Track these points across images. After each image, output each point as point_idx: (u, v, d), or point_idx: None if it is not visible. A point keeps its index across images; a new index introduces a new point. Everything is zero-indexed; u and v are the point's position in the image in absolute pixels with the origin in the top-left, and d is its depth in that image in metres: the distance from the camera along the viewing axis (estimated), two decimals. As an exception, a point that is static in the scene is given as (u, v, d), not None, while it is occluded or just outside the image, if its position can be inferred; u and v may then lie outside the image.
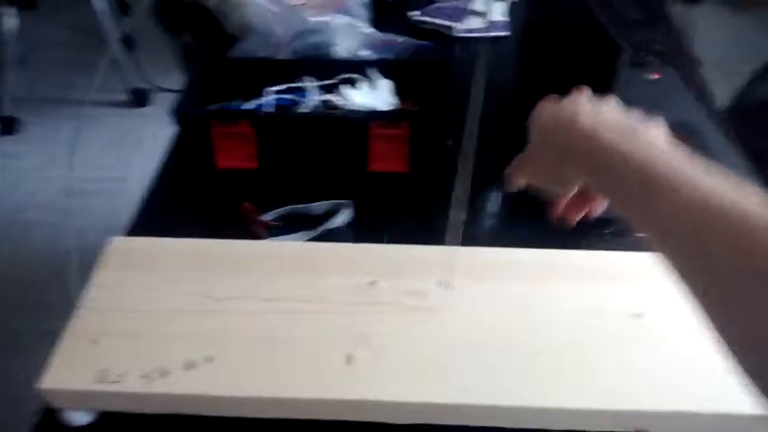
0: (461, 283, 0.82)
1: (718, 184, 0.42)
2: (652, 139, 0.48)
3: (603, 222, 1.00)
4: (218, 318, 0.78)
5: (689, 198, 0.41)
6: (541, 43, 1.21)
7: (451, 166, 1.03)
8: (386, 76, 1.07)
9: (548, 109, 0.54)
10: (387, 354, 0.74)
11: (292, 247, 0.90)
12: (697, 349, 0.74)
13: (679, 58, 1.38)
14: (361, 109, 1.01)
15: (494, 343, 0.75)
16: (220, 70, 1.12)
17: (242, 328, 0.77)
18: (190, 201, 1.08)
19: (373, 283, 0.83)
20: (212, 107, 1.10)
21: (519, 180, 0.60)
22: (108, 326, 0.77)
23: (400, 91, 1.07)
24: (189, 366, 0.73)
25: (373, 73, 1.05)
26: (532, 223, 1.01)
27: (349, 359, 0.74)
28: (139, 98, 2.90)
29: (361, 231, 1.01)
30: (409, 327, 0.77)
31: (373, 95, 1.00)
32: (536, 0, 1.33)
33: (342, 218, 1.00)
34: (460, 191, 0.80)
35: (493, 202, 1.04)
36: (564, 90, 0.57)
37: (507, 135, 1.10)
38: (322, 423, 0.72)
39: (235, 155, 1.04)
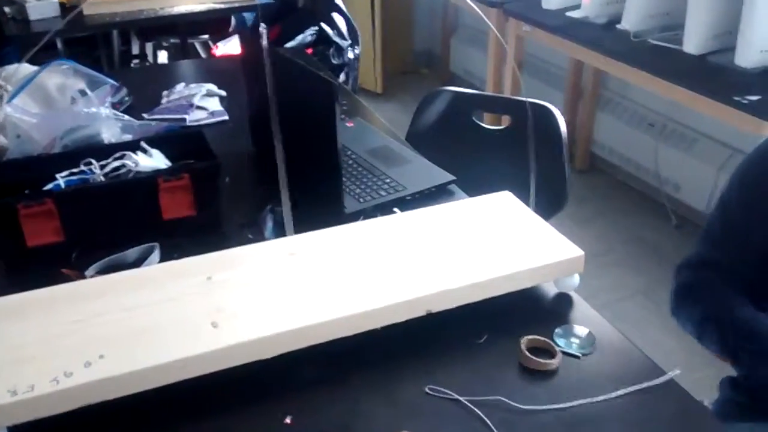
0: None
1: None
2: None
3: (352, 216, 1.35)
4: (92, 330, 0.95)
5: None
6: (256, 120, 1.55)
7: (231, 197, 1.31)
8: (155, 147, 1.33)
9: None
10: (240, 313, 0.98)
11: (126, 275, 1.09)
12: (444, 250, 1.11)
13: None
14: (147, 170, 1.25)
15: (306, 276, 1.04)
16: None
17: (116, 330, 0.96)
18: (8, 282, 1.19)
19: (209, 278, 1.06)
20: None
21: None
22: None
23: (171, 156, 1.33)
24: (87, 364, 0.90)
25: (145, 147, 1.30)
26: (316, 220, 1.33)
27: (214, 324, 0.96)
28: None
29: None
30: (248, 295, 1.02)
31: (154, 160, 1.25)
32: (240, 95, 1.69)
33: (154, 258, 1.21)
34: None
35: (269, 221, 1.33)
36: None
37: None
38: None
39: (42, 233, 1.20)
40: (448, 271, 1.07)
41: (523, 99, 1.67)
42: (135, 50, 3.70)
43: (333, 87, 1.17)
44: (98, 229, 1.24)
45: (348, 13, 2.42)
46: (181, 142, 1.41)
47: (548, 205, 1.70)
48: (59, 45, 3.14)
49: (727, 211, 1.18)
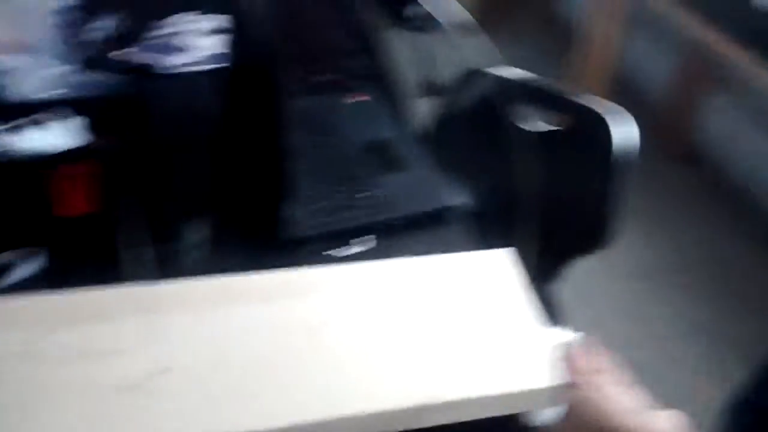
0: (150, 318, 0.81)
1: None
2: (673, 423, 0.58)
3: (305, 240, 1.04)
4: None
5: None
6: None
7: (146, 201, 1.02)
8: (81, 114, 1.04)
9: (580, 398, 0.64)
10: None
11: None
12: (368, 357, 0.79)
13: (384, 82, 1.47)
14: (45, 151, 0.96)
15: (178, 373, 0.75)
16: None
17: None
18: None
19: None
20: None
21: None
22: None
23: (96, 129, 1.04)
24: None
25: (65, 112, 1.01)
26: (243, 247, 1.04)
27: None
28: None
29: (56, 279, 0.96)
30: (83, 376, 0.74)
31: (62, 135, 0.96)
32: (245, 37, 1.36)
33: (31, 267, 0.95)
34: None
35: (198, 232, 1.04)
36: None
37: (213, 164, 1.11)
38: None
39: None
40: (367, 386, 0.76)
41: (578, 101, 1.27)
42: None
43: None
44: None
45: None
46: (116, 107, 1.11)
47: (579, 246, 1.33)
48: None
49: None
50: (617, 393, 0.65)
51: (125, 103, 1.15)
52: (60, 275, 0.96)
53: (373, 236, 1.07)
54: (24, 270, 0.95)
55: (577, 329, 1.42)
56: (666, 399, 1.89)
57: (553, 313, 1.45)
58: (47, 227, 0.99)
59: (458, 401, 0.75)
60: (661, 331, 2.04)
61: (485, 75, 1.37)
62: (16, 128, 1.02)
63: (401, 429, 0.75)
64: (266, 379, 0.76)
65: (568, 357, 0.71)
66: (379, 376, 0.77)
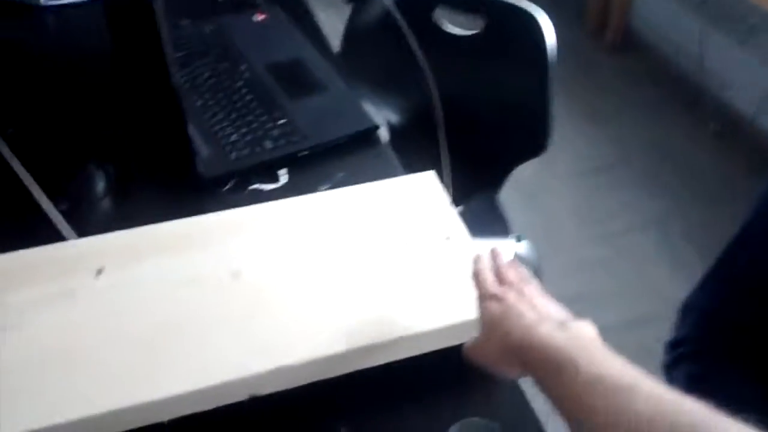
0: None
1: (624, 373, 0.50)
2: (579, 333, 0.55)
3: (218, 180, 0.95)
4: None
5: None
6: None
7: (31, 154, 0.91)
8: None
9: (496, 309, 0.61)
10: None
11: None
12: (296, 301, 0.72)
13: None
14: None
15: (78, 348, 0.67)
16: None
17: None
18: None
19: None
20: None
21: (473, 360, 0.64)
22: None
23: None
24: None
25: None
26: (146, 194, 0.94)
27: None
28: None
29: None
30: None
31: None
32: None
33: None
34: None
35: (98, 182, 0.94)
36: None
37: (105, 108, 1.00)
38: None
39: None
40: (291, 334, 0.69)
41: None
42: None
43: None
44: None
45: None
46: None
47: (520, 149, 1.26)
48: None
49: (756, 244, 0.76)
50: (542, 304, 0.61)
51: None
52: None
53: (289, 168, 0.98)
54: None
55: (527, 235, 1.37)
56: (621, 294, 1.88)
57: (501, 222, 1.40)
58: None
59: (397, 339, 0.69)
60: (611, 226, 2.01)
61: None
62: None
63: (335, 374, 0.69)
64: (189, 337, 0.68)
65: (493, 268, 0.67)
66: (311, 322, 0.70)
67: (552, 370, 0.53)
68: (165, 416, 0.66)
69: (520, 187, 2.07)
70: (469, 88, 1.27)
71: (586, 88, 2.52)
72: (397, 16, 0.57)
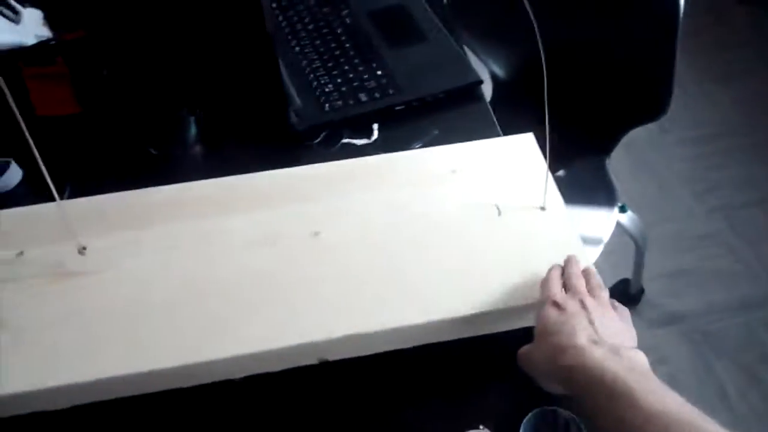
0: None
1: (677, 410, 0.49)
2: (633, 363, 0.54)
3: (310, 132, 0.93)
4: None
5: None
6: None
7: (119, 98, 0.91)
8: (39, 2, 0.92)
9: (552, 317, 0.59)
10: (30, 338, 0.64)
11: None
12: (375, 262, 0.69)
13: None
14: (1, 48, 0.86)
15: (153, 301, 0.67)
16: None
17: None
18: None
19: (20, 254, 0.71)
20: None
21: (523, 367, 0.63)
22: None
23: (58, 21, 0.92)
24: None
25: (17, 3, 0.89)
26: (236, 143, 0.93)
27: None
28: None
29: (37, 188, 0.88)
30: (56, 300, 0.67)
31: (17, 30, 0.85)
32: None
33: (11, 178, 0.86)
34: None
35: (189, 127, 0.93)
36: None
37: (197, 54, 0.99)
38: None
39: None
40: (365, 301, 0.66)
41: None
42: None
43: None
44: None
45: None
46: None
47: (636, 111, 1.16)
48: None
49: None
50: (602, 321, 0.59)
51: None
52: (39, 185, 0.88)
53: (382, 122, 0.94)
54: (4, 181, 0.86)
55: (635, 203, 1.29)
56: (730, 273, 1.74)
57: (607, 189, 1.32)
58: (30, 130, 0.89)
59: (478, 315, 0.65)
60: (727, 199, 1.87)
61: None
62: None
63: (409, 345, 0.66)
64: (265, 295, 0.67)
65: (561, 275, 0.65)
66: (389, 288, 0.67)
67: (604, 396, 0.52)
68: (237, 374, 0.65)
69: (631, 151, 1.95)
70: (583, 42, 1.17)
71: (713, 42, 2.32)
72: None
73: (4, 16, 0.87)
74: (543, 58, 0.66)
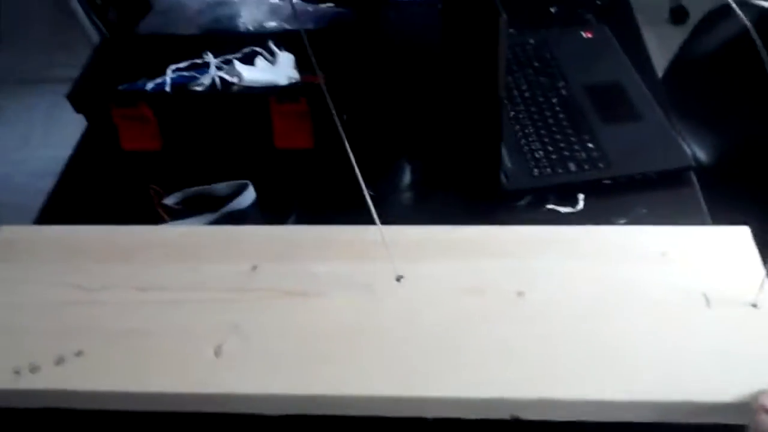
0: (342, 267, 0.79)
1: None
2: None
3: (516, 194, 0.97)
4: (89, 310, 0.76)
5: None
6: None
7: (354, 140, 0.99)
8: (293, 47, 1.03)
9: (764, 423, 0.59)
10: (257, 344, 0.72)
11: (178, 232, 0.87)
12: (578, 331, 0.71)
13: (616, 17, 1.31)
14: (258, 84, 0.97)
15: (369, 330, 0.73)
16: (124, 47, 1.09)
17: (112, 320, 0.75)
18: (100, 185, 1.06)
19: (254, 268, 0.80)
20: (120, 87, 1.07)
21: None
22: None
23: (305, 64, 1.03)
24: (59, 361, 0.72)
25: (275, 47, 1.01)
26: (444, 195, 0.99)
27: (217, 351, 0.72)
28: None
29: (267, 211, 0.99)
30: (284, 315, 0.75)
31: (273, 70, 0.97)
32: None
33: (246, 198, 0.97)
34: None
35: (405, 174, 1.01)
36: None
37: (418, 103, 1.06)
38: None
39: (138, 137, 1.02)
40: (564, 365, 0.69)
41: None
42: None
43: None
44: (198, 144, 1.03)
45: None
46: (328, 41, 1.09)
47: None
48: None
49: None
50: None
51: (333, 36, 1.12)
52: (270, 208, 0.98)
53: (587, 193, 0.96)
54: (242, 200, 0.97)
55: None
56: None
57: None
58: (264, 160, 1.00)
59: (669, 403, 0.66)
60: None
61: (748, 4, 1.16)
62: (242, 60, 1.04)
63: (606, 420, 0.68)
64: (465, 345, 0.71)
65: None
66: (584, 359, 0.69)
67: None
68: (429, 413, 0.69)
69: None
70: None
71: None
72: (756, 38, 0.52)
73: (265, 58, 0.99)
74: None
